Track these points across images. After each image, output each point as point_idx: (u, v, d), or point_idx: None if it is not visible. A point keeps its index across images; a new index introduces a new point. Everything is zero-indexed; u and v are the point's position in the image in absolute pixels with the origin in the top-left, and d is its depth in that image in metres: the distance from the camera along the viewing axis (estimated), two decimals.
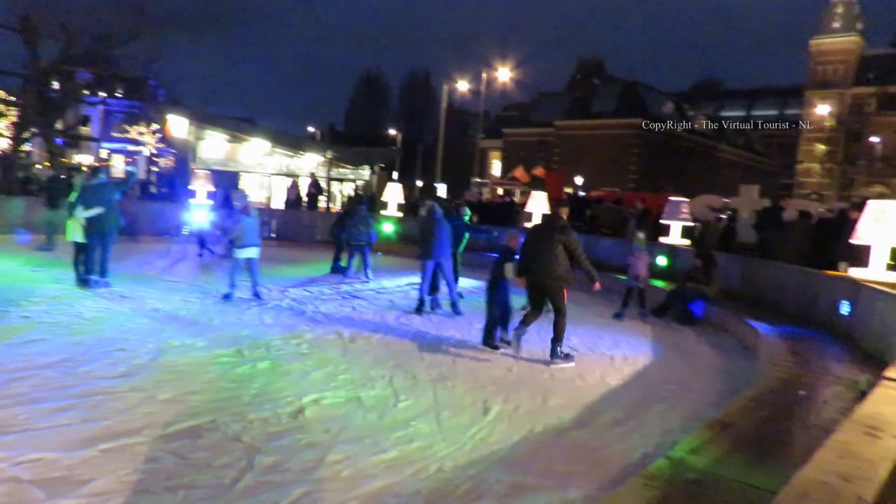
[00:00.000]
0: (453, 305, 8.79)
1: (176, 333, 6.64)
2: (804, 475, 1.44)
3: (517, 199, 26.06)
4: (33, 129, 22.05)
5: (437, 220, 8.63)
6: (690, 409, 5.26)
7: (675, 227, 12.37)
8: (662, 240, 12.40)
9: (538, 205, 15.24)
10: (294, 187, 20.26)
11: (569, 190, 32.30)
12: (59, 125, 25.21)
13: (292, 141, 25.56)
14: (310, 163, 23.87)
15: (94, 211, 8.47)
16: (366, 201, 12.93)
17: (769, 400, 4.59)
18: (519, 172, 35.29)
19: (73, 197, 8.71)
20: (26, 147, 25.19)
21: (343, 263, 11.72)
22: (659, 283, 10.86)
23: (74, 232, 8.60)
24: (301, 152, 24.05)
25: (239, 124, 24.94)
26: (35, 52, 19.08)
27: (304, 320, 7.76)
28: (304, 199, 19.72)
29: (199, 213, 14.53)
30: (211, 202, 15.17)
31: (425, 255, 8.56)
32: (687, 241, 12.01)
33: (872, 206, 6.93)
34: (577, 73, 64.48)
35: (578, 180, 44.06)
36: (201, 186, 15.37)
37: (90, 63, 21.33)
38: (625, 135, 51.06)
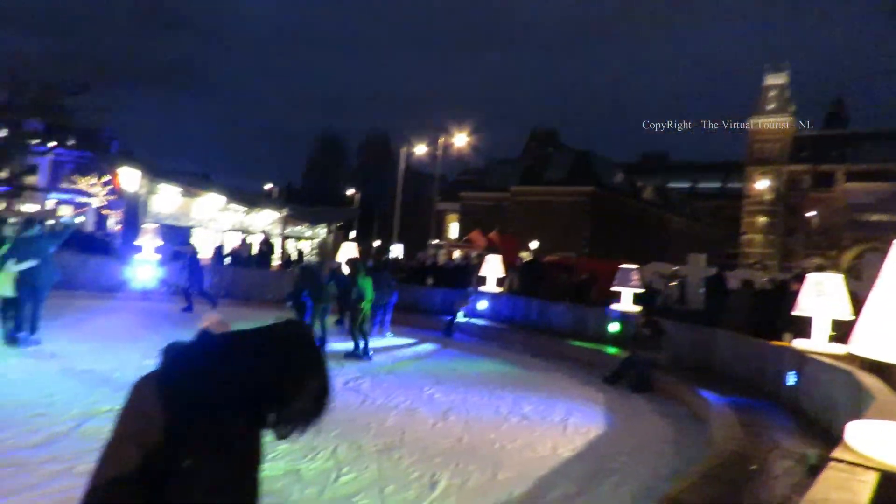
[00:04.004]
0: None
1: (105, 398, 6.20)
2: None
3: (474, 261, 26.17)
4: None
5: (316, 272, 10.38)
6: (642, 483, 5.14)
7: (627, 294, 12.53)
8: (614, 306, 12.52)
9: (493, 268, 15.29)
10: (245, 244, 19.88)
11: (524, 254, 32.69)
12: (2, 174, 24.41)
13: (248, 197, 25.29)
14: (265, 220, 23.59)
15: (27, 264, 8.04)
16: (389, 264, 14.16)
17: (720, 475, 4.52)
18: (475, 236, 35.62)
19: (4, 249, 8.27)
20: None
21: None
22: (612, 350, 10.90)
23: (4, 286, 8.12)
24: (256, 209, 23.78)
25: (193, 179, 24.61)
26: None
27: None
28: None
29: (144, 268, 14.07)
30: (158, 257, 14.73)
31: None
32: (638, 308, 12.15)
33: (811, 278, 7.15)
34: (531, 141, 66.59)
35: (533, 245, 44.76)
36: (149, 241, 14.92)
37: (39, 112, 20.88)
38: (577, 202, 52.50)
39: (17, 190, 39.68)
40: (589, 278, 16.75)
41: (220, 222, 22.51)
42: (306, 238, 26.03)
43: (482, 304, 14.23)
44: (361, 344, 9.86)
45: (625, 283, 12.62)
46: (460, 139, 37.42)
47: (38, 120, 25.30)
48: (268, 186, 53.86)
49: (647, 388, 8.94)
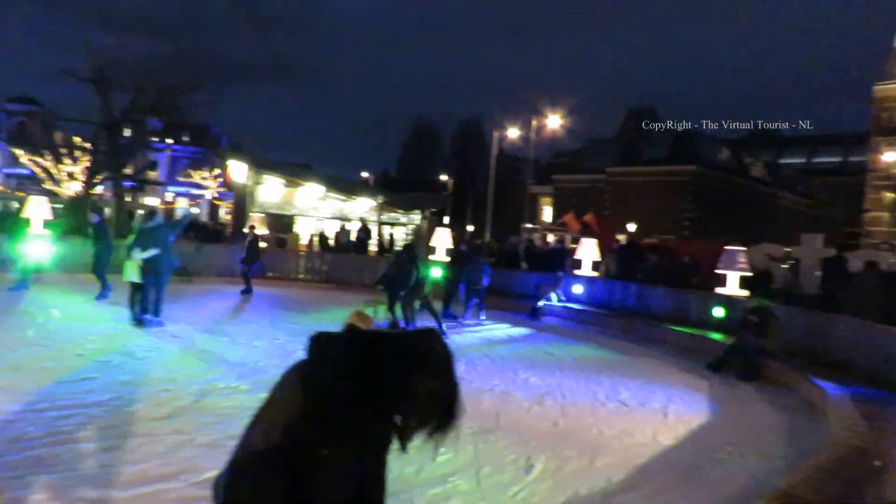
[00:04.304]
0: None
1: (221, 376, 6.68)
2: None
3: (569, 245, 25.75)
4: (104, 174, 23.32)
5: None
6: (751, 476, 4.89)
7: (733, 278, 11.88)
8: (719, 290, 11.92)
9: (588, 252, 14.97)
10: (343, 231, 20.58)
11: (621, 237, 31.76)
12: (128, 170, 26.61)
13: (346, 185, 26.09)
14: (362, 207, 24.27)
15: (150, 252, 8.75)
16: (483, 251, 14.27)
17: (839, 470, 4.22)
18: (569, 219, 35.00)
19: (130, 239, 9.03)
20: (97, 190, 26.65)
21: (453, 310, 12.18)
22: (716, 336, 10.41)
23: (131, 272, 8.89)
24: (354, 196, 24.50)
25: (295, 169, 25.69)
26: (108, 102, 20.34)
27: None
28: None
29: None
30: (264, 244, 15.56)
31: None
32: (745, 292, 11.50)
33: None
34: (628, 120, 64.25)
35: (631, 227, 43.38)
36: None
37: (157, 112, 22.54)
38: (678, 182, 50.24)
39: (140, 184, 43.19)
40: (691, 261, 16.02)
41: (320, 210, 23.42)
42: (401, 224, 26.55)
43: (577, 289, 14.00)
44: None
45: (731, 266, 11.97)
46: (553, 121, 36.74)
47: (156, 119, 27.26)
48: (364, 175, 55.40)
49: (756, 377, 8.46)
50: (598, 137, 62.21)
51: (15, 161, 31.13)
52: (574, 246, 18.93)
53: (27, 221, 11.90)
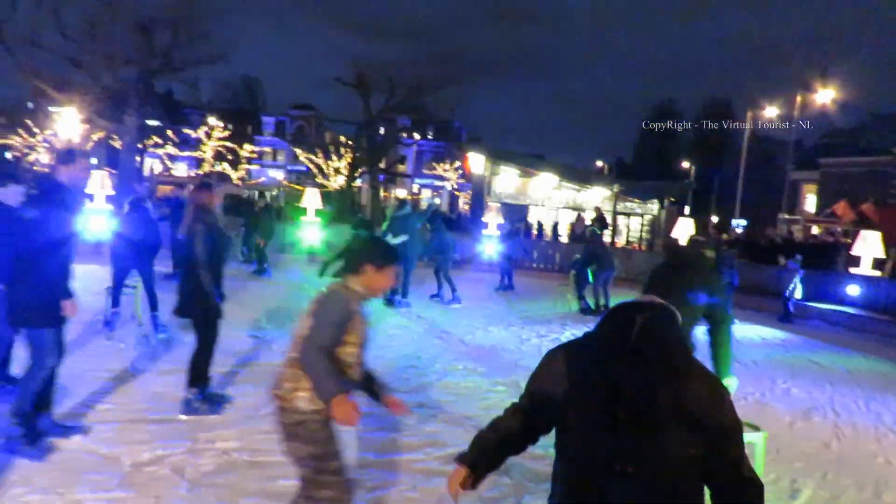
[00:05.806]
0: None
1: (460, 357, 7.00)
2: None
3: (840, 238, 22.25)
4: (363, 168, 26.19)
5: None
6: None
7: None
8: None
9: (869, 247, 12.69)
10: (580, 221, 20.32)
11: None
12: (382, 164, 29.55)
13: (579, 175, 25.74)
14: (596, 196, 23.73)
15: (400, 238, 9.51)
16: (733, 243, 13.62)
17: None
18: (841, 208, 30.19)
19: (384, 226, 9.94)
20: (357, 183, 30.07)
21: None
22: None
23: None
24: (588, 186, 24.08)
25: (529, 160, 26.07)
26: (367, 103, 22.74)
27: None
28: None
29: (489, 243, 15.47)
30: (499, 233, 16.03)
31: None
32: None
33: None
34: None
35: None
36: (493, 219, 16.34)
37: (407, 110, 24.60)
38: None
39: (391, 177, 47.66)
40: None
41: (553, 200, 23.46)
42: (637, 214, 25.39)
43: (853, 290, 11.97)
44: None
45: None
46: (823, 95, 31.90)
47: (406, 117, 29.79)
48: (599, 164, 54.17)
49: None
50: (884, 112, 52.45)
51: (295, 159, 36.57)
52: (846, 240, 16.27)
53: (303, 210, 13.81)
